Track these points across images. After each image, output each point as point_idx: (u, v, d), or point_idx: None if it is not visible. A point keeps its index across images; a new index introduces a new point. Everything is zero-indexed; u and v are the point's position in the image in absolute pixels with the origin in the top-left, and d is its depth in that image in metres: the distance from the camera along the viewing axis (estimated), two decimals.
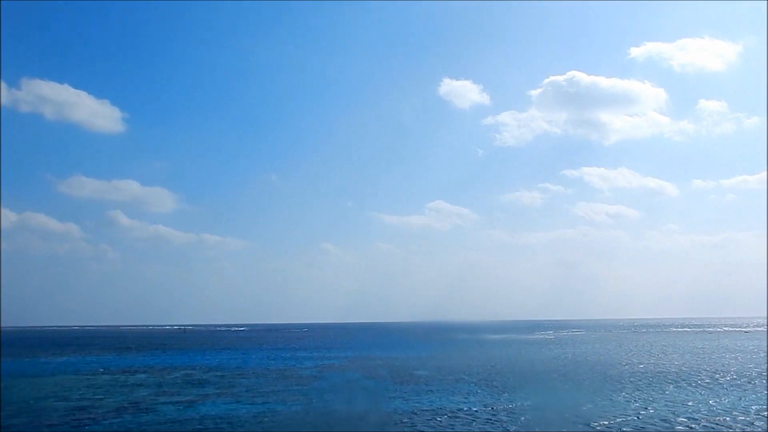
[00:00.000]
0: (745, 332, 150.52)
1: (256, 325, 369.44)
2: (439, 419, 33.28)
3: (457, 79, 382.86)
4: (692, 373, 54.43)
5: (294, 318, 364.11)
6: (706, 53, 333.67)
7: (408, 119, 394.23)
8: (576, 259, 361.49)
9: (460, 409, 36.06)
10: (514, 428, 30.61)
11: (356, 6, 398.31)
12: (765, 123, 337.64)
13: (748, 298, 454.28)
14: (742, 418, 32.50)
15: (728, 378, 50.24)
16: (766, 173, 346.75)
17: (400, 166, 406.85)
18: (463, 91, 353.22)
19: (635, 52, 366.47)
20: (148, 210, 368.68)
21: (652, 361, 68.27)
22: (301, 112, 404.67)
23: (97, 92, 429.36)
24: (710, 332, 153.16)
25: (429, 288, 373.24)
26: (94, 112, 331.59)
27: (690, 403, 37.45)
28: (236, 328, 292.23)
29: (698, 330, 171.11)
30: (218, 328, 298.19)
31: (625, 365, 62.70)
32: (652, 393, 41.99)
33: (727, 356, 73.71)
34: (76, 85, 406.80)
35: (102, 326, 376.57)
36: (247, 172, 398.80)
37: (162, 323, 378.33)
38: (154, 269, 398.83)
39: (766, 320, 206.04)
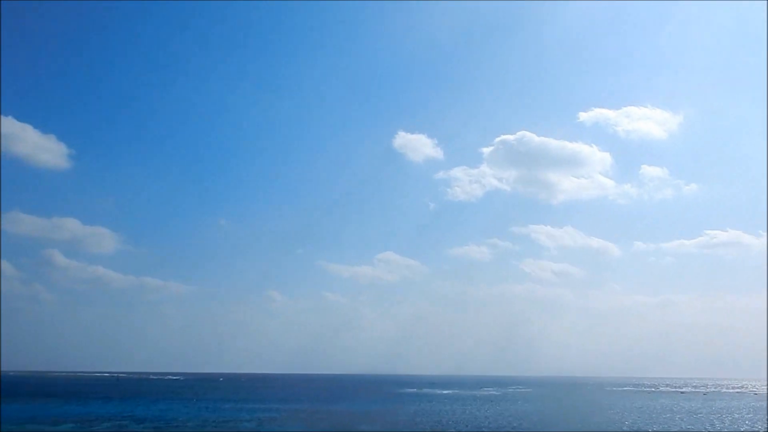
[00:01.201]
0: (681, 392, 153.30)
1: (193, 373, 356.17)
2: None
3: (412, 133, 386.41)
4: None
5: (235, 367, 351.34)
6: (649, 122, 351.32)
7: (361, 169, 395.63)
8: (522, 315, 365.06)
9: None
10: None
11: (313, 54, 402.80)
12: (702, 190, 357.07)
13: (684, 359, 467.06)
14: None
15: None
16: (702, 238, 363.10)
17: (350, 216, 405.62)
18: (417, 145, 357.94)
19: (584, 116, 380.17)
20: (88, 250, 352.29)
21: (601, 419, 67.98)
22: (254, 156, 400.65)
23: (44, 126, 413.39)
24: (648, 392, 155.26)
25: (376, 340, 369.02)
26: (39, 147, 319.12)
27: None
28: (171, 377, 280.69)
29: (636, 389, 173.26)
30: (151, 377, 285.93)
31: (577, 423, 62.28)
32: None
33: (674, 417, 74.12)
34: (22, 118, 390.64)
35: (29, 372, 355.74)
36: (195, 215, 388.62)
37: (95, 370, 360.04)
38: (91, 312, 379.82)
39: (766, 381, 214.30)
